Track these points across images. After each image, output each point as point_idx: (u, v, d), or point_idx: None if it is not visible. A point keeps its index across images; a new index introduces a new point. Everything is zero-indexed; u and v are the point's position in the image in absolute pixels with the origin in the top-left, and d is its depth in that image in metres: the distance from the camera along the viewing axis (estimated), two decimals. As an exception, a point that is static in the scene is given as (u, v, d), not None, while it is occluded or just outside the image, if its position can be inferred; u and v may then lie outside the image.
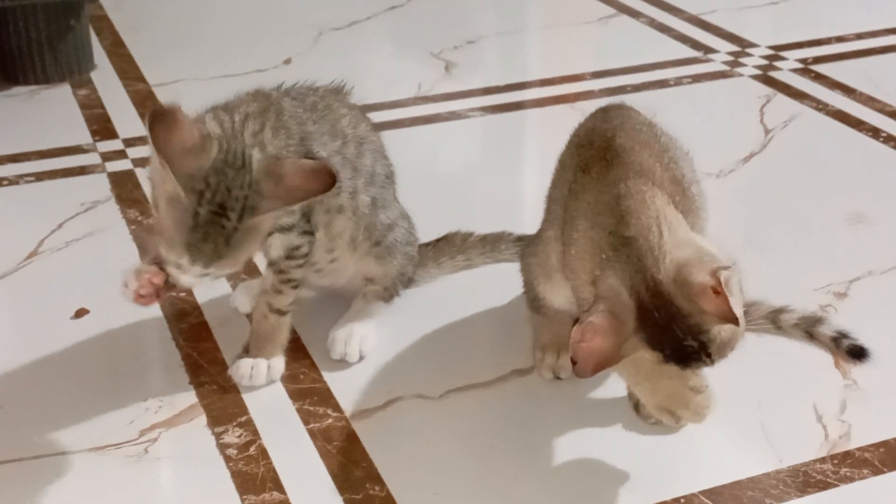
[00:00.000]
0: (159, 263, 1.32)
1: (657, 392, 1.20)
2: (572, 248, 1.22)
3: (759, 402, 1.33)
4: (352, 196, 1.40)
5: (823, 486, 1.21)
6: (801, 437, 1.28)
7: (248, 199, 1.20)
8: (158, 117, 1.18)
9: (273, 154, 1.24)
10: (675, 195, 1.20)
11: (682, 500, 1.19)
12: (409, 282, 1.53)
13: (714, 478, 1.22)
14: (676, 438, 1.28)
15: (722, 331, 1.09)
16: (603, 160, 1.23)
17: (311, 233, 1.36)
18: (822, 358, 1.42)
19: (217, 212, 1.19)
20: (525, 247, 1.47)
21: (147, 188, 1.81)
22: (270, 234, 1.33)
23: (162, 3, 2.74)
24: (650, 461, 1.25)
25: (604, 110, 1.36)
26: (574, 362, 1.10)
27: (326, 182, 1.20)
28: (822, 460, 1.25)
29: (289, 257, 1.35)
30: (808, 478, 1.22)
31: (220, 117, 1.26)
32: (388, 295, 1.49)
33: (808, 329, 1.45)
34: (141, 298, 1.32)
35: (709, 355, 1.10)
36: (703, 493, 1.20)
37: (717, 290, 1.06)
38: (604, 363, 1.10)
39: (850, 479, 1.22)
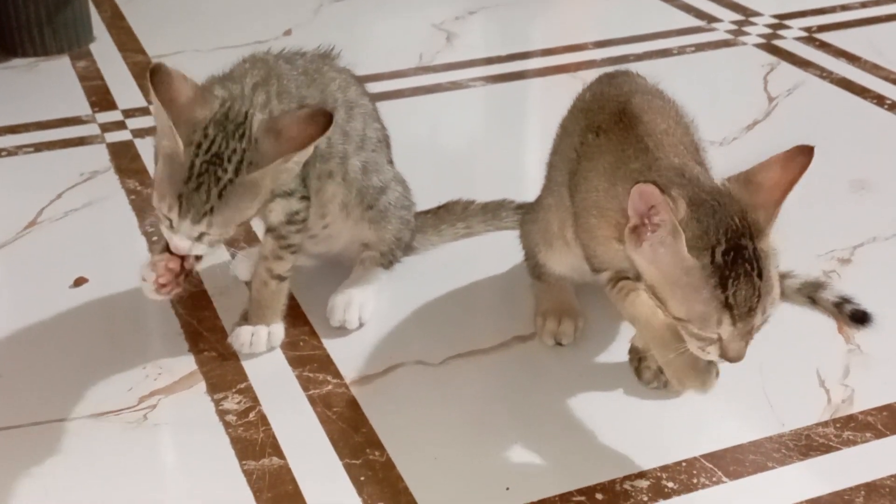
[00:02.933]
0: (170, 251, 1.31)
1: (668, 363, 1.18)
2: (591, 210, 1.20)
3: (761, 368, 1.32)
4: (342, 161, 1.39)
5: (826, 449, 1.21)
6: (804, 401, 1.28)
7: (247, 153, 1.19)
8: (159, 70, 1.18)
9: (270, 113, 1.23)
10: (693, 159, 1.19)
11: (684, 464, 1.19)
12: (407, 248, 1.52)
13: (716, 442, 1.22)
14: (678, 403, 1.28)
15: (773, 258, 1.07)
16: (619, 123, 1.22)
17: (308, 198, 1.35)
18: (824, 323, 1.41)
19: (213, 161, 1.18)
20: (524, 214, 1.46)
21: (147, 158, 1.81)
22: (272, 198, 1.32)
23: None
24: (652, 426, 1.25)
25: (610, 76, 1.35)
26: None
27: (322, 123, 1.19)
28: (825, 424, 1.24)
29: (289, 222, 1.34)
30: (810, 441, 1.22)
31: (228, 86, 1.26)
32: (387, 261, 1.48)
33: (811, 294, 1.44)
34: (162, 288, 1.31)
35: (760, 274, 1.06)
36: (705, 456, 1.19)
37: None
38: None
39: (853, 443, 1.21)
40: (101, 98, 2.04)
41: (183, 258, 1.29)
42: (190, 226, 1.21)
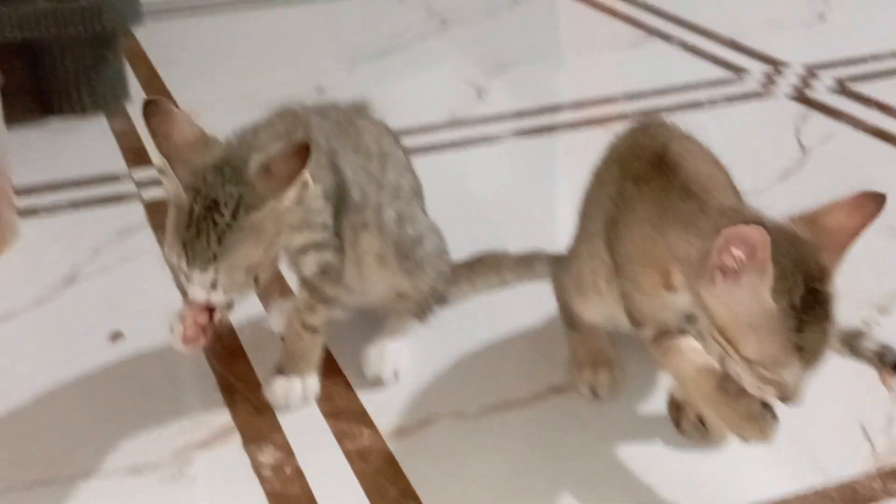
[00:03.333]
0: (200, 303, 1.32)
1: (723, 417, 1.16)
2: (636, 258, 1.19)
3: (802, 417, 1.30)
4: (376, 212, 1.39)
5: (872, 500, 1.18)
6: (847, 452, 1.26)
7: (244, 197, 1.19)
8: (154, 104, 1.19)
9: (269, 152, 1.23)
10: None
11: (725, 516, 1.17)
12: (441, 299, 1.52)
13: (758, 494, 1.20)
14: (718, 454, 1.26)
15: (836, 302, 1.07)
16: (660, 171, 1.21)
17: (343, 250, 1.35)
18: (865, 373, 1.39)
19: (210, 207, 1.18)
20: (557, 263, 1.45)
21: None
22: (305, 251, 1.32)
23: (196, 35, 2.77)
24: (692, 477, 1.23)
25: (643, 125, 1.35)
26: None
27: (303, 157, 1.18)
28: (870, 476, 1.22)
29: (323, 274, 1.34)
30: (856, 493, 1.19)
31: (243, 130, 1.27)
32: (421, 312, 1.48)
33: (851, 343, 1.42)
34: (189, 341, 1.31)
35: (828, 318, 1.06)
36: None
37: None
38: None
39: (900, 494, 1.19)
40: (136, 156, 2.06)
41: (212, 311, 1.29)
42: (200, 275, 1.21)
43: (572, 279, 1.37)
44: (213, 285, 1.22)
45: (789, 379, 1.07)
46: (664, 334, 1.20)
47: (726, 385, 1.13)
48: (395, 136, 1.48)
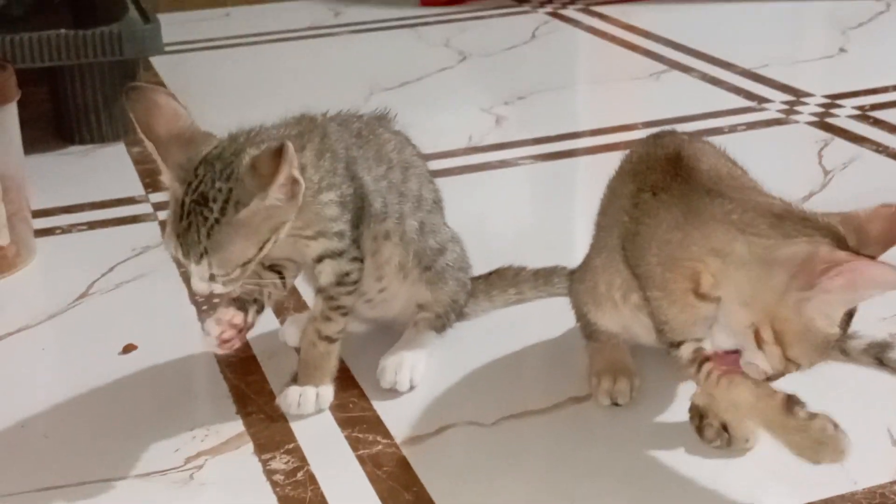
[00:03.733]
0: (235, 305, 1.32)
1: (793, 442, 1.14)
2: (663, 265, 1.17)
3: (829, 426, 1.27)
4: (398, 221, 1.38)
5: (902, 507, 1.14)
6: (876, 460, 1.22)
7: (233, 191, 1.17)
8: (136, 94, 1.18)
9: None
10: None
11: (749, 523, 1.13)
12: (461, 312, 1.49)
13: (783, 499, 1.16)
14: (743, 462, 1.22)
15: None
16: (677, 178, 1.21)
17: (361, 259, 1.34)
18: (892, 383, 1.36)
19: (199, 201, 1.18)
20: (573, 274, 1.43)
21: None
22: (321, 260, 1.31)
23: (217, 65, 2.79)
24: (715, 485, 1.19)
25: (655, 136, 1.34)
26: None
27: (279, 155, 1.16)
28: (900, 483, 1.18)
29: (339, 283, 1.33)
30: (885, 500, 1.16)
31: (249, 129, 1.26)
32: (441, 324, 1.46)
33: (878, 355, 1.39)
34: (225, 343, 1.32)
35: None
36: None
37: None
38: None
39: (931, 501, 1.15)
40: (154, 180, 2.06)
41: (246, 312, 1.29)
42: (196, 267, 1.20)
43: (587, 290, 1.36)
44: (212, 278, 1.21)
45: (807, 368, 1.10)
46: (704, 360, 1.18)
47: (794, 409, 1.12)
48: (416, 147, 1.47)
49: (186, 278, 1.68)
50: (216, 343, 1.30)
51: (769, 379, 1.16)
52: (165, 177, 1.21)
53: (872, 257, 1.09)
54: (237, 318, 1.31)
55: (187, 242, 1.19)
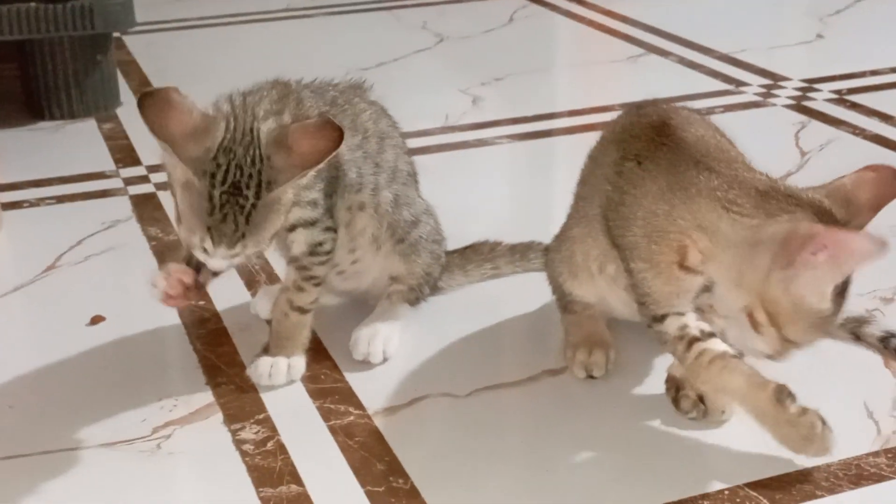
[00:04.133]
0: (188, 262, 1.29)
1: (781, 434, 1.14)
2: (649, 237, 1.16)
3: (805, 398, 1.26)
4: (374, 192, 1.36)
5: (878, 478, 1.13)
6: (852, 432, 1.21)
7: (262, 173, 1.16)
8: (149, 99, 1.14)
9: (278, 125, 1.19)
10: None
11: (727, 492, 1.12)
12: (435, 286, 1.48)
13: (760, 471, 1.15)
14: (719, 433, 1.21)
15: None
16: (662, 146, 1.19)
17: (334, 229, 1.32)
18: (870, 358, 1.35)
19: (232, 192, 1.15)
20: (549, 245, 1.42)
21: (168, 208, 1.79)
22: (294, 228, 1.28)
23: (191, 47, 2.75)
24: (691, 455, 1.18)
25: (638, 106, 1.32)
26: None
27: (334, 138, 1.16)
28: (876, 454, 1.17)
29: (312, 253, 1.30)
30: (860, 471, 1.14)
31: (233, 99, 1.23)
32: (414, 297, 1.44)
33: (855, 330, 1.38)
34: (170, 299, 1.29)
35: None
36: (749, 485, 1.12)
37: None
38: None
39: (907, 472, 1.14)
40: (125, 155, 2.03)
41: (198, 271, 1.26)
42: (225, 251, 1.18)
43: (563, 260, 1.34)
44: (236, 256, 1.19)
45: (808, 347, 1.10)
46: (693, 340, 1.17)
47: (784, 402, 1.12)
48: (392, 118, 1.45)
49: (158, 252, 1.66)
50: (160, 296, 1.28)
51: (770, 358, 1.15)
52: (181, 171, 1.16)
53: (861, 225, 1.08)
54: (187, 275, 1.28)
55: (221, 232, 1.15)
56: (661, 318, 1.18)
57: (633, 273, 1.19)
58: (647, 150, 1.20)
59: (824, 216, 1.08)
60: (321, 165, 1.17)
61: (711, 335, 1.17)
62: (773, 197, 1.10)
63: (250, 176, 1.16)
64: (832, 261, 1.05)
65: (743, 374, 1.14)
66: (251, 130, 1.18)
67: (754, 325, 1.11)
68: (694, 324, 1.18)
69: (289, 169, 1.16)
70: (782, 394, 1.13)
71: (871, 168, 1.11)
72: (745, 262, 1.09)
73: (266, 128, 1.19)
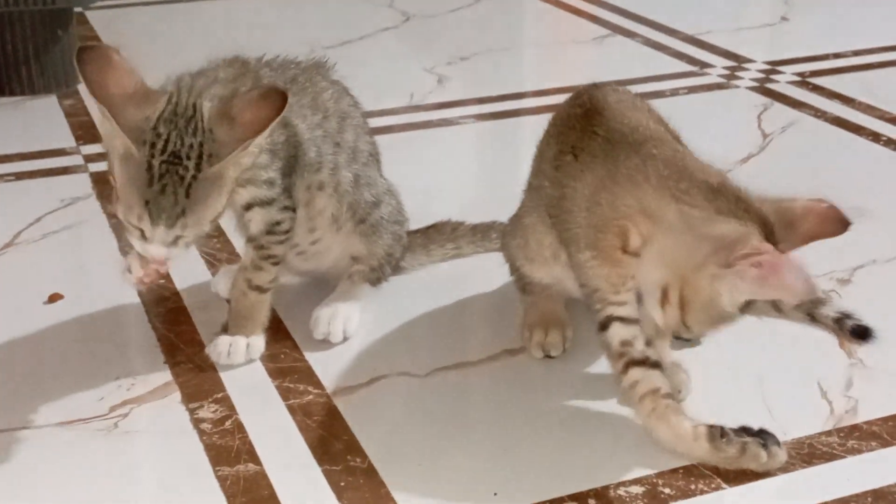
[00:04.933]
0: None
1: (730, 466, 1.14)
2: (594, 226, 1.15)
3: (761, 379, 1.28)
4: (333, 172, 1.36)
5: (830, 457, 1.15)
6: (806, 412, 1.22)
7: (204, 145, 1.14)
8: (88, 54, 1.12)
9: (219, 98, 1.18)
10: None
11: (681, 471, 1.13)
12: (396, 266, 1.48)
13: (714, 450, 1.16)
14: (674, 412, 1.22)
15: None
16: (596, 136, 1.19)
17: (292, 209, 1.31)
18: (824, 339, 1.36)
19: (171, 161, 1.13)
20: (505, 228, 1.42)
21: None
22: (250, 207, 1.28)
23: (154, 23, 2.73)
24: (646, 435, 1.19)
25: (575, 94, 1.31)
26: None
27: (278, 103, 1.14)
28: (829, 433, 1.19)
29: (269, 232, 1.30)
30: (813, 450, 1.16)
31: (183, 79, 1.22)
32: (375, 277, 1.43)
33: (810, 311, 1.39)
34: (145, 284, 1.29)
35: None
36: (703, 463, 1.13)
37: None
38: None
39: (858, 451, 1.16)
40: (86, 132, 2.01)
41: None
42: (165, 231, 1.15)
43: (519, 246, 1.34)
44: (176, 241, 1.16)
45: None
46: (631, 363, 1.16)
47: (719, 444, 1.12)
48: (354, 98, 1.44)
49: (117, 230, 1.64)
50: (133, 282, 1.27)
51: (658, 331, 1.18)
52: (118, 140, 1.14)
53: (786, 250, 1.09)
54: (164, 265, 1.27)
55: (160, 206, 1.13)
56: (606, 324, 1.17)
57: (581, 265, 1.18)
58: (582, 141, 1.20)
59: (767, 231, 1.09)
60: (266, 133, 1.15)
61: (654, 365, 1.16)
62: (724, 196, 1.10)
63: (191, 146, 1.13)
64: (762, 281, 1.06)
65: (670, 425, 1.14)
66: (193, 106, 1.16)
67: (663, 300, 1.12)
68: (639, 346, 1.17)
69: (231, 142, 1.14)
70: (715, 439, 1.12)
71: (821, 202, 1.12)
72: (683, 248, 1.10)
73: (208, 104, 1.17)
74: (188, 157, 1.14)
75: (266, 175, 1.26)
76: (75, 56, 1.14)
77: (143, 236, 1.17)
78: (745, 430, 1.14)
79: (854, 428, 1.19)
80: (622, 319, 1.17)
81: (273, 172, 1.26)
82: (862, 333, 1.35)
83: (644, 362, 1.16)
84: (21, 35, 2.14)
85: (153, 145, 1.14)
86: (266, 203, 1.28)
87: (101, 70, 1.14)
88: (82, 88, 2.22)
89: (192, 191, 1.14)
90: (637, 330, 1.17)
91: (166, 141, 1.14)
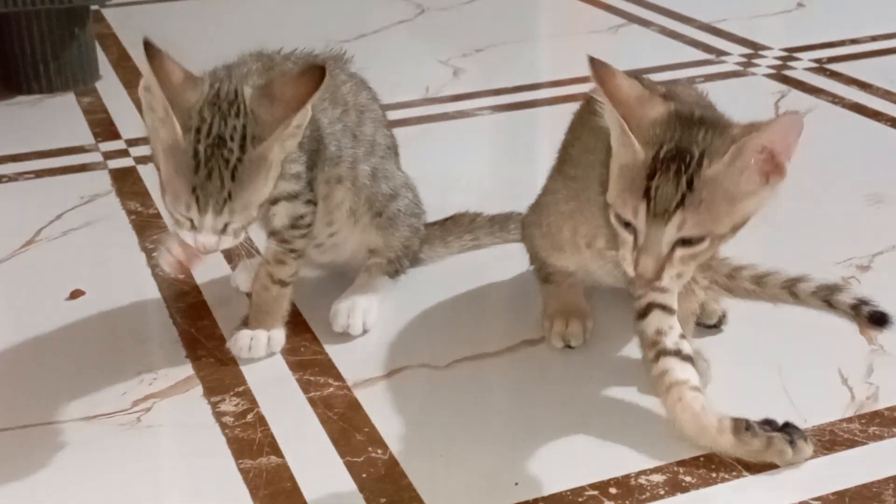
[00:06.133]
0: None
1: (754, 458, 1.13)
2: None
3: (781, 367, 1.27)
4: (351, 166, 1.36)
5: (851, 444, 1.15)
6: (827, 399, 1.22)
7: (247, 127, 1.14)
8: (154, 47, 1.15)
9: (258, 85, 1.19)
10: None
11: (702, 459, 1.13)
12: (414, 258, 1.48)
13: (735, 438, 1.16)
14: (694, 401, 1.22)
15: None
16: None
17: (315, 202, 1.32)
18: (845, 325, 1.36)
19: (216, 144, 1.13)
20: (527, 217, 1.41)
21: (149, 182, 1.78)
22: (276, 201, 1.28)
23: (169, 19, 2.74)
24: (667, 423, 1.19)
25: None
26: None
27: (317, 77, 1.14)
28: (850, 420, 1.18)
29: (293, 226, 1.30)
30: (834, 436, 1.16)
31: (218, 72, 1.23)
32: (393, 269, 1.44)
33: (827, 298, 1.39)
34: (180, 268, 1.31)
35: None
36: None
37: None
38: None
39: (880, 437, 1.15)
40: (104, 129, 2.02)
41: None
42: (213, 218, 1.15)
43: (545, 234, 1.34)
44: (225, 229, 1.16)
45: None
46: (663, 352, 1.16)
47: (744, 437, 1.11)
48: (372, 91, 1.44)
49: (137, 226, 1.65)
50: (171, 262, 1.29)
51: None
52: (163, 131, 1.14)
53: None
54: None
55: (207, 192, 1.13)
56: (646, 312, 1.17)
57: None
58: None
59: None
60: (307, 108, 1.15)
61: (686, 358, 1.16)
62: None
63: (234, 128, 1.14)
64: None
65: (695, 416, 1.12)
66: (235, 91, 1.17)
67: None
68: (674, 337, 1.16)
69: (273, 122, 1.14)
70: (740, 431, 1.11)
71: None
72: None
73: (249, 90, 1.18)
74: (231, 139, 1.14)
75: (294, 168, 1.26)
76: (145, 51, 1.14)
77: (192, 226, 1.17)
78: (769, 424, 1.13)
79: (875, 414, 1.19)
80: (663, 308, 1.17)
81: (300, 166, 1.27)
82: (879, 319, 1.35)
83: (677, 353, 1.16)
84: (38, 33, 2.16)
85: (198, 130, 1.14)
86: (292, 196, 1.28)
87: (163, 63, 1.15)
88: (100, 85, 2.24)
89: (238, 173, 1.14)
90: (674, 321, 1.17)
91: (210, 125, 1.14)
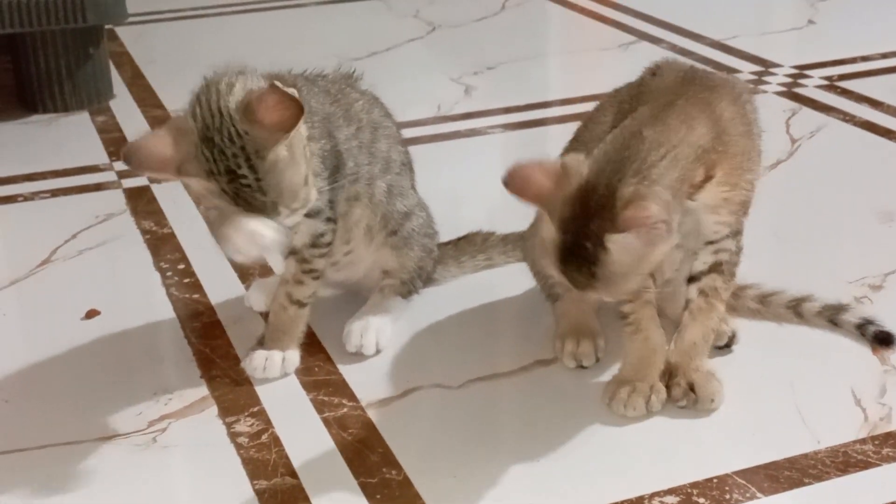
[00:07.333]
0: None
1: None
2: None
3: (793, 386, 1.28)
4: (368, 183, 1.37)
5: (865, 465, 1.15)
6: (839, 419, 1.22)
7: (245, 147, 1.14)
8: (128, 152, 1.15)
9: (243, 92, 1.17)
10: None
11: (716, 480, 1.13)
12: (428, 278, 1.49)
13: (748, 459, 1.16)
14: (708, 421, 1.22)
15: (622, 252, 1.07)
16: None
17: (335, 220, 1.32)
18: (857, 345, 1.36)
19: (230, 178, 1.15)
20: (525, 234, 1.42)
21: (163, 202, 1.80)
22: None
23: (182, 36, 2.76)
24: (681, 443, 1.19)
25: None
26: None
27: (295, 111, 1.13)
28: (863, 441, 1.18)
29: (313, 245, 1.31)
30: (847, 458, 1.16)
31: (199, 97, 1.19)
32: (406, 290, 1.45)
33: (832, 317, 1.39)
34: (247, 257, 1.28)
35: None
36: (738, 473, 1.14)
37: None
38: None
39: (894, 459, 1.16)
40: (119, 148, 2.00)
41: None
42: (276, 220, 1.18)
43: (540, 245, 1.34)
44: (291, 214, 1.19)
45: None
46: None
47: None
48: (385, 107, 1.45)
49: (152, 246, 1.66)
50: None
51: None
52: (193, 183, 1.18)
53: None
54: None
55: (256, 209, 1.16)
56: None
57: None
58: None
59: None
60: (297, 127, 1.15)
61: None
62: None
63: (235, 156, 1.14)
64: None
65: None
66: (220, 110, 1.15)
67: None
68: None
69: (268, 140, 1.14)
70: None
71: None
72: None
73: (234, 100, 1.16)
74: (239, 167, 1.14)
75: (317, 184, 1.26)
76: (123, 159, 1.15)
77: (261, 232, 1.18)
78: None
79: (889, 435, 1.19)
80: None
81: (323, 181, 1.27)
82: (885, 339, 1.35)
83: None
84: (53, 53, 2.17)
85: (212, 173, 1.15)
86: (314, 214, 1.28)
87: (145, 157, 1.15)
88: (114, 104, 2.26)
89: (264, 185, 1.15)
90: None
91: (217, 162, 1.14)
